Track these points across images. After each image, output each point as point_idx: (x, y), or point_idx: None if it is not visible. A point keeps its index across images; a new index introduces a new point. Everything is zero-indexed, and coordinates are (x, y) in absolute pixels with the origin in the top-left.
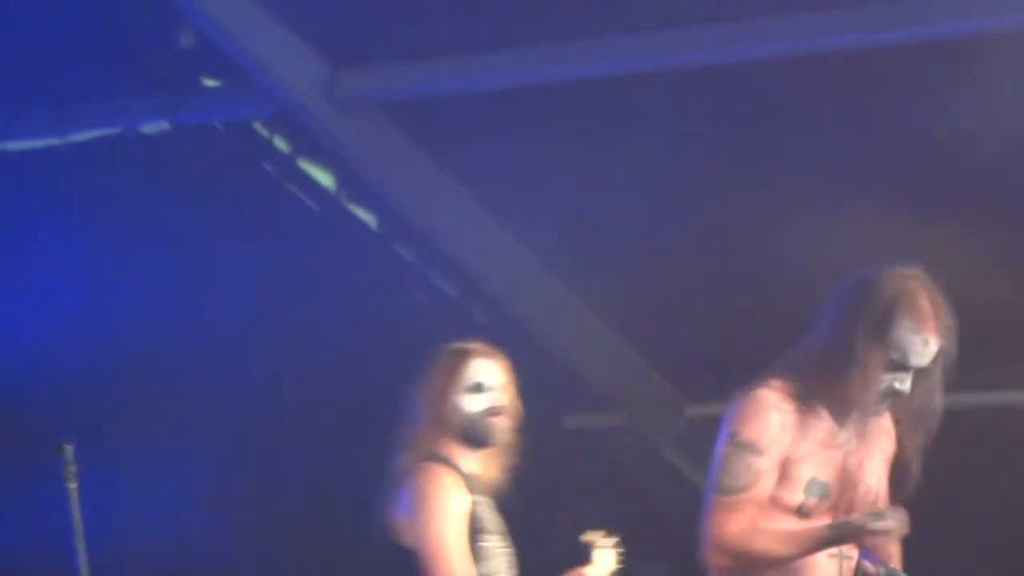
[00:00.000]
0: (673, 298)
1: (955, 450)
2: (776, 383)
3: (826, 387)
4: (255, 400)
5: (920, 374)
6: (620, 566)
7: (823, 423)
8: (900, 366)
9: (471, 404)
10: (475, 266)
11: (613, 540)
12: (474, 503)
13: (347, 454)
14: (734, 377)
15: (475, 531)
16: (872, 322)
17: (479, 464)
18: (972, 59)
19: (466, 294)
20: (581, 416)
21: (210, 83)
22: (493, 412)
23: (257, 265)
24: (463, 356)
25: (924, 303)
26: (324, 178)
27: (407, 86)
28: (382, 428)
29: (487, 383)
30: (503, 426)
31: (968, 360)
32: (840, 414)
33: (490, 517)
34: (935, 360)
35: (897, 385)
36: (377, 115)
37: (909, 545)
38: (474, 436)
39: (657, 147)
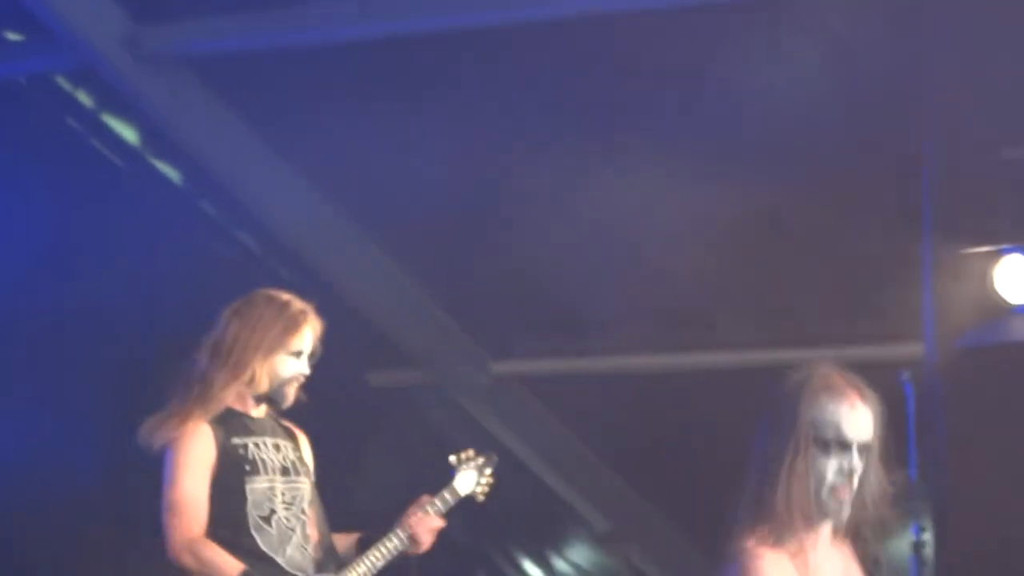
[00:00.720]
0: (478, 256)
1: (688, 410)
2: (752, 541)
3: (788, 515)
4: (69, 350)
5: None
6: (486, 487)
7: (804, 555)
8: (838, 443)
9: (286, 369)
10: (280, 222)
11: (482, 460)
12: (244, 446)
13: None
14: (539, 335)
15: (243, 472)
16: (788, 417)
17: (265, 409)
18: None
19: (271, 250)
20: (385, 373)
21: (12, 37)
22: (298, 380)
23: (60, 220)
24: (298, 321)
25: (835, 378)
26: (128, 133)
27: (210, 40)
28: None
29: (306, 351)
30: (297, 391)
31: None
32: (811, 542)
33: (269, 458)
34: (875, 438)
35: (845, 465)
36: (180, 70)
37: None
38: (273, 397)
39: (464, 106)
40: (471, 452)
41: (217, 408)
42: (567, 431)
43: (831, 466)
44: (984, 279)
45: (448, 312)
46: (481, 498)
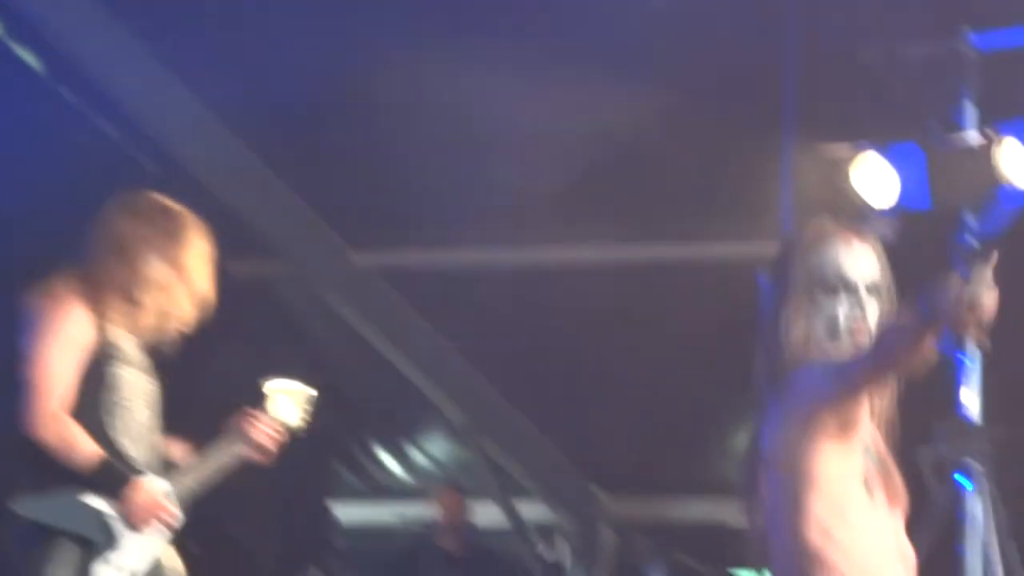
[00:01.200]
0: (341, 147)
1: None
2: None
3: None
4: None
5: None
6: (303, 417)
7: None
8: (843, 284)
9: (165, 279)
10: (140, 110)
11: (300, 391)
12: (109, 336)
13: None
14: (400, 228)
15: (106, 358)
16: (788, 272)
17: (132, 309)
18: None
19: (132, 138)
20: (246, 263)
21: None
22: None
23: None
24: (190, 236)
25: (827, 225)
26: None
27: None
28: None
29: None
30: None
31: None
32: None
33: (132, 351)
34: (883, 279)
35: (856, 304)
36: None
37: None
38: (139, 300)
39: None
40: (290, 383)
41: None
42: (427, 324)
43: (841, 307)
44: (843, 179)
45: (309, 202)
46: (297, 430)
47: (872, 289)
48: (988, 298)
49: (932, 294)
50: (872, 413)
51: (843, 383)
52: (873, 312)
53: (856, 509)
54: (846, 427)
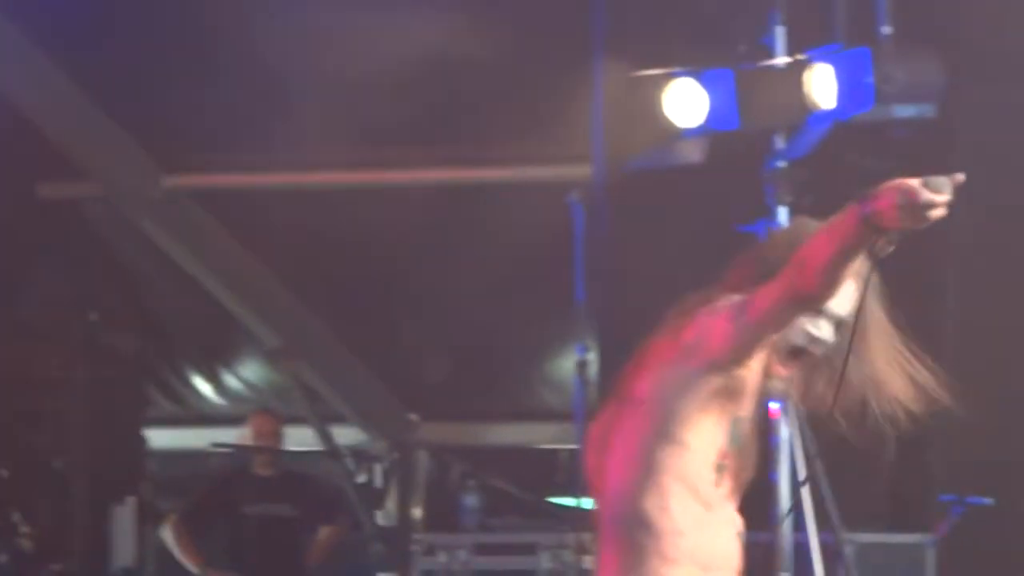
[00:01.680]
0: (153, 70)
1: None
2: None
3: None
4: None
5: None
6: None
7: None
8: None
9: None
10: None
11: None
12: None
13: None
14: (211, 150)
15: None
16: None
17: None
18: None
19: None
20: (55, 185)
21: None
22: None
23: None
24: None
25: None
26: None
27: None
28: None
29: None
30: None
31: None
32: None
33: None
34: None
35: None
36: None
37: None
38: None
39: None
40: None
41: None
42: (238, 246)
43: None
44: (654, 102)
45: (120, 124)
46: None
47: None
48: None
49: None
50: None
51: (766, 303)
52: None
53: (704, 488)
54: (733, 396)
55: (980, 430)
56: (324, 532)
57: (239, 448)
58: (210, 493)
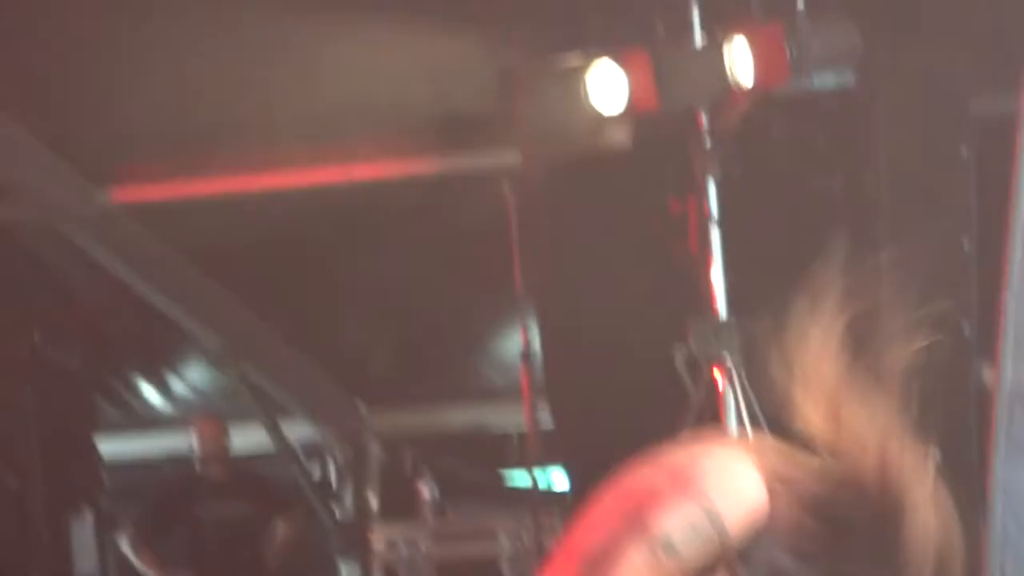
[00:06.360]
0: (80, 83)
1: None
2: None
3: None
4: None
5: None
6: None
7: None
8: None
9: None
10: None
11: None
12: None
13: None
14: (146, 163)
15: None
16: None
17: None
18: None
19: None
20: None
21: None
22: None
23: None
24: None
25: None
26: None
27: None
28: None
29: None
30: None
31: None
32: None
33: None
34: None
35: None
36: None
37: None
38: None
39: None
40: None
41: None
42: (174, 251)
43: None
44: (575, 88)
45: (47, 143)
46: None
47: None
48: None
49: None
50: None
51: None
52: None
53: None
54: None
55: None
56: (281, 526)
57: (188, 454)
58: (163, 500)
